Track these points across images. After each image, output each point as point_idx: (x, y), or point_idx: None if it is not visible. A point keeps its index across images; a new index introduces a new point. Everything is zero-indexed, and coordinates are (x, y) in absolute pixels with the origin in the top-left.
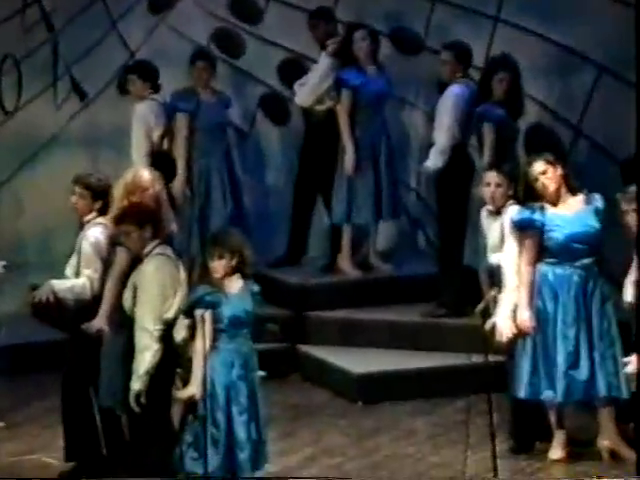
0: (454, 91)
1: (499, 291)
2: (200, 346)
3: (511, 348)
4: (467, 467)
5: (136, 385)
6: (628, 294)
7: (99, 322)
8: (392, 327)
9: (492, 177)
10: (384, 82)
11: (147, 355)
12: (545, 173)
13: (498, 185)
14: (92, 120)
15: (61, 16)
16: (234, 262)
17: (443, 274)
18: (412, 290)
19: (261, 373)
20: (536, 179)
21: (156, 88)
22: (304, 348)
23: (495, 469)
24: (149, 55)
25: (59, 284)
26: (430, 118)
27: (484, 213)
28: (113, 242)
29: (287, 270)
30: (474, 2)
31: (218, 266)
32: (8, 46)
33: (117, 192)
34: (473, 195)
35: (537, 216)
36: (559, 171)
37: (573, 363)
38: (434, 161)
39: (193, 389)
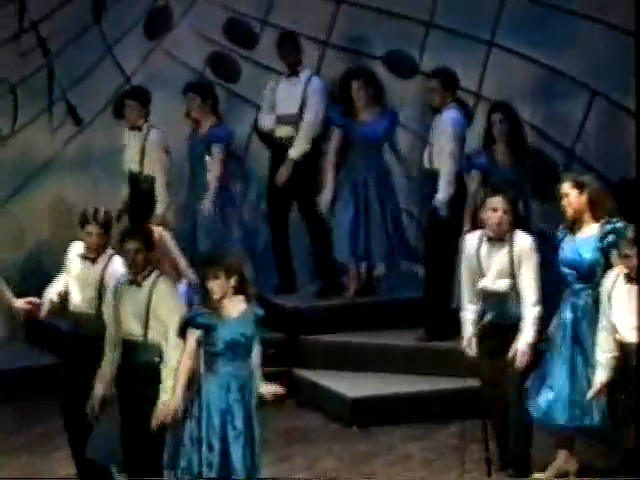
0: (451, 117)
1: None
2: (184, 365)
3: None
4: None
5: (174, 402)
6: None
7: None
8: (387, 351)
9: (499, 202)
10: (382, 124)
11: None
12: (567, 196)
13: (505, 211)
14: (87, 144)
15: (57, 41)
16: (232, 282)
17: (429, 299)
18: (407, 314)
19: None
20: (560, 198)
21: (148, 115)
22: (299, 372)
23: None
24: (144, 80)
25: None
26: (423, 141)
27: (474, 241)
28: None
29: (282, 294)
30: (468, 26)
31: (214, 286)
32: (4, 71)
33: None
34: None
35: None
36: (584, 197)
37: (573, 386)
38: (446, 192)
39: (175, 404)
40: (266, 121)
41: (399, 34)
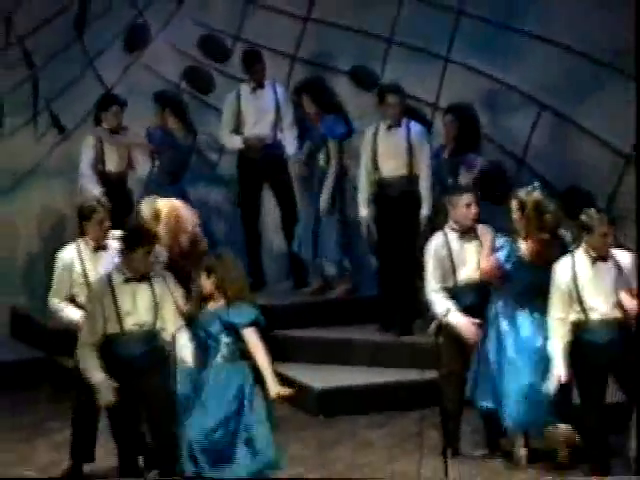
0: (419, 129)
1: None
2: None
3: None
4: (421, 475)
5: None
6: None
7: None
8: (351, 345)
9: (471, 198)
10: (321, 130)
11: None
12: (511, 211)
13: (477, 204)
14: (70, 151)
15: (41, 55)
16: (211, 281)
17: (384, 296)
18: (370, 310)
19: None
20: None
21: None
22: None
23: (447, 475)
24: (124, 91)
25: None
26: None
27: (440, 240)
28: None
29: (253, 291)
30: (426, 43)
31: (199, 285)
32: None
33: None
34: None
35: None
36: (524, 219)
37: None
38: (429, 206)
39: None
40: (234, 143)
41: (362, 49)
